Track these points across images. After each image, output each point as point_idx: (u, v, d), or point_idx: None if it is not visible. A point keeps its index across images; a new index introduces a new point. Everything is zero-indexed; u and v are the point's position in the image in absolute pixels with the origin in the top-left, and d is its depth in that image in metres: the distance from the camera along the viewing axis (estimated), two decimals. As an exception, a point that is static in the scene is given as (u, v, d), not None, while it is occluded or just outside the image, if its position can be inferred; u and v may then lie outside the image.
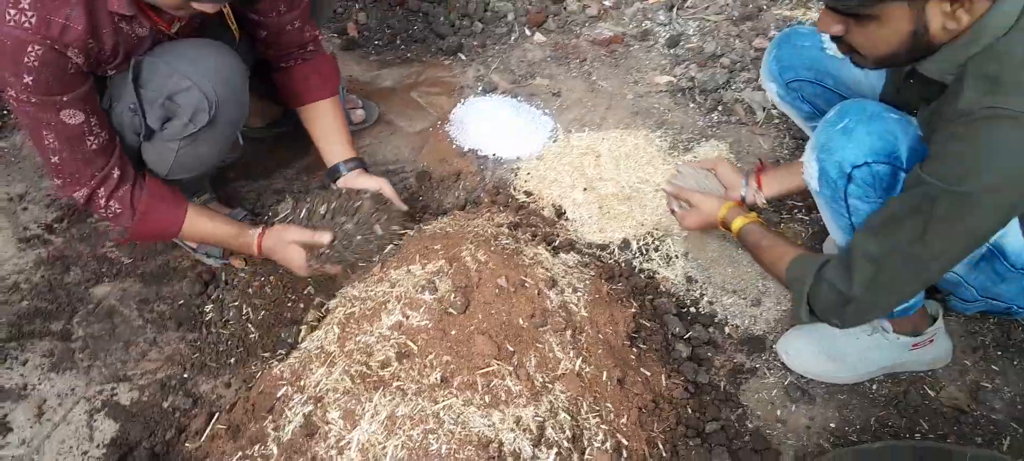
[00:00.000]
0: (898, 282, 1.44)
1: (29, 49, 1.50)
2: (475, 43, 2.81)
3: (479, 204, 2.24)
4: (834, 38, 1.41)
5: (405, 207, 2.02)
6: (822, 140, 1.54)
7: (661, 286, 2.07)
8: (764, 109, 2.51)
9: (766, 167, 2.02)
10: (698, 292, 2.07)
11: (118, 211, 1.75)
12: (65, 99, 1.60)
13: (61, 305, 2.00)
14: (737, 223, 1.83)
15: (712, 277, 2.10)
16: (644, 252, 2.15)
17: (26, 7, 1.47)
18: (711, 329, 1.97)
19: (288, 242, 1.88)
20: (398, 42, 2.84)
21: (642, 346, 1.83)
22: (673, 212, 2.05)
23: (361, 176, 2.03)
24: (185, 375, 1.87)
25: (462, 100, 2.60)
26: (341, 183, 2.02)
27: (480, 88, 2.65)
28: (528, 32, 2.85)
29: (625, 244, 2.15)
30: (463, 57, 2.78)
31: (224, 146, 1.90)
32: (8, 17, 1.47)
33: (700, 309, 2.03)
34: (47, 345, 1.92)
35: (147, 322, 1.98)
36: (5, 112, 2.48)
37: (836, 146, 1.50)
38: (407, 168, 2.40)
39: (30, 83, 1.53)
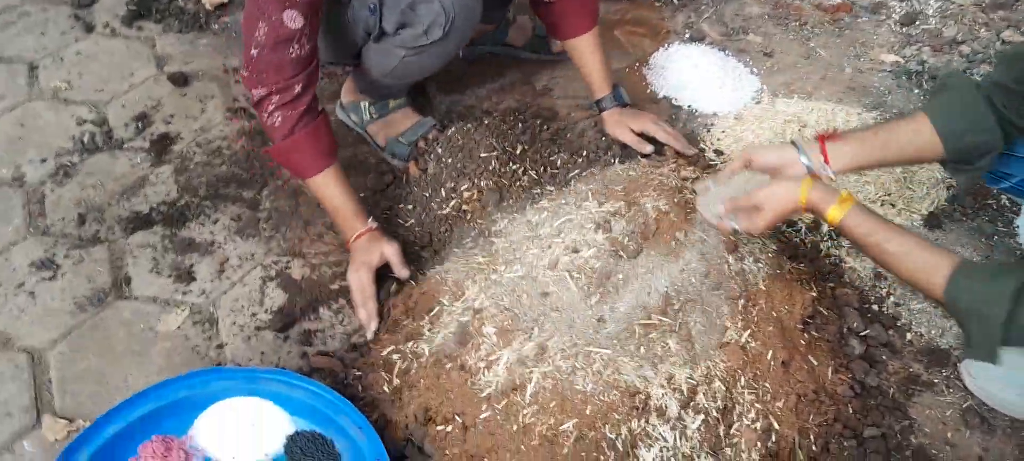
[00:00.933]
0: None
1: None
2: (690, -14, 2.66)
3: (663, 155, 2.13)
4: None
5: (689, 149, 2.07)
6: None
7: (846, 276, 1.89)
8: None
9: (832, 134, 1.62)
10: (885, 290, 1.87)
11: (276, 124, 1.75)
12: (296, 4, 1.63)
13: (255, 176, 2.11)
14: (835, 211, 1.44)
15: (906, 280, 1.88)
16: (834, 236, 1.96)
17: None
18: (891, 332, 1.78)
19: (357, 265, 1.78)
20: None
21: (814, 333, 1.68)
22: (734, 231, 1.62)
23: (615, 117, 2.11)
24: (353, 263, 1.93)
25: (666, 45, 2.47)
26: (609, 122, 2.12)
27: (688, 35, 2.51)
28: (748, -15, 2.67)
29: (816, 224, 1.98)
30: (675, 1, 2.64)
31: (447, 59, 1.91)
32: None
33: (884, 308, 1.83)
34: (237, 209, 2.03)
35: (327, 207, 2.05)
36: (236, -10, 2.63)
37: None
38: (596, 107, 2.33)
39: None
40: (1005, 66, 1.48)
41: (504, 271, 1.63)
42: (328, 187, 1.82)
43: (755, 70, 2.38)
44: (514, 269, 1.62)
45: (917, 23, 2.53)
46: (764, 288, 1.65)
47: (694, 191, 1.74)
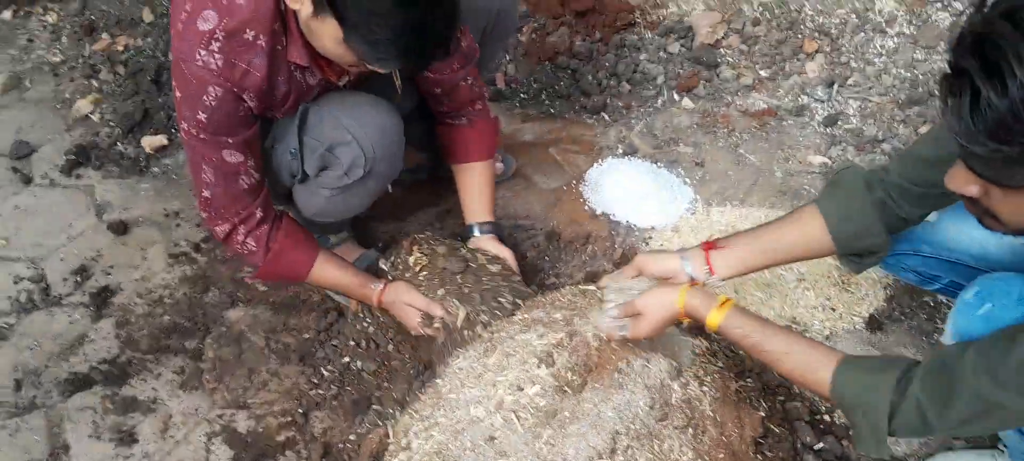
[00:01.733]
0: (1003, 422, 1.28)
1: (210, 89, 1.58)
2: (620, 104, 2.75)
3: (598, 274, 2.16)
4: (966, 198, 1.16)
5: (527, 289, 1.99)
6: (962, 325, 1.33)
7: (794, 388, 1.92)
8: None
9: (715, 243, 1.69)
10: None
11: (253, 248, 1.81)
12: (231, 140, 1.67)
13: (197, 323, 2.09)
14: (714, 315, 1.50)
15: (852, 383, 1.92)
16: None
17: (215, 50, 1.55)
18: (845, 443, 1.81)
19: (406, 303, 1.90)
20: (543, 97, 2.82)
21: (767, 454, 1.70)
22: (621, 338, 1.67)
23: (491, 241, 2.04)
24: (300, 410, 1.90)
25: (601, 160, 2.54)
26: (471, 244, 2.03)
27: (620, 150, 2.58)
28: (677, 97, 2.76)
29: (759, 336, 2.01)
30: (607, 117, 2.72)
31: (372, 198, 1.95)
32: (198, 57, 1.55)
33: (835, 418, 1.86)
34: (180, 362, 2.01)
35: (272, 351, 2.03)
36: (172, 131, 2.65)
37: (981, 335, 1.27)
38: (537, 226, 2.37)
39: (204, 120, 1.61)
40: (902, 166, 1.53)
41: (449, 414, 1.62)
42: (326, 270, 1.91)
43: (688, 180, 2.45)
44: (458, 412, 1.61)
45: (839, 123, 2.64)
46: (711, 413, 1.66)
47: (600, 298, 1.79)
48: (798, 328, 2.03)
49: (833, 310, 2.09)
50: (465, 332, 1.86)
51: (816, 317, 2.07)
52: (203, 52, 1.55)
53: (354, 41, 1.45)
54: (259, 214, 1.80)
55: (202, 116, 1.61)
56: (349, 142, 1.75)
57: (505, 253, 2.02)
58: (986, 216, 1.17)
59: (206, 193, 1.75)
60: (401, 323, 1.96)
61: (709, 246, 1.68)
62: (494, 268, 1.96)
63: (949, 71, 1.01)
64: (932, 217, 1.62)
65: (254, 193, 1.78)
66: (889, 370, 1.33)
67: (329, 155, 1.78)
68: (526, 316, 1.85)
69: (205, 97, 1.58)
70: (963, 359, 1.23)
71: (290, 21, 1.60)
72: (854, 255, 1.63)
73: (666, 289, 1.61)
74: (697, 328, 1.99)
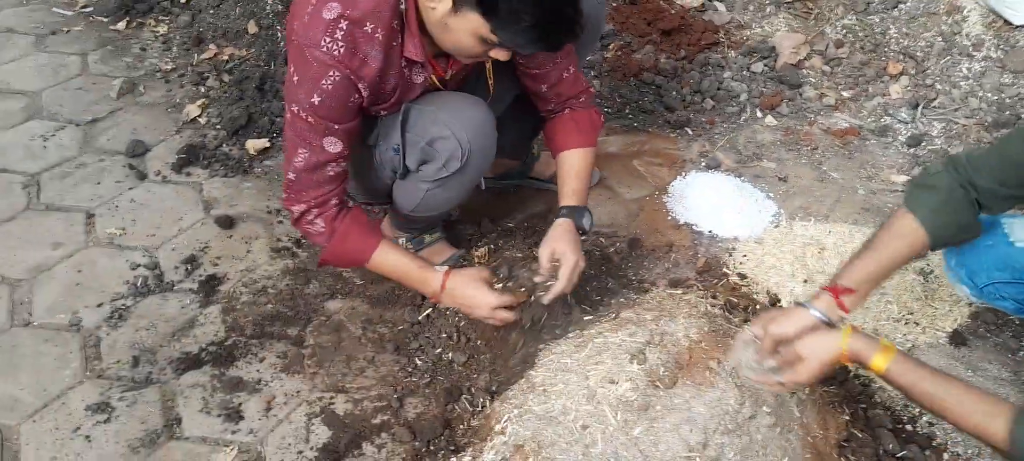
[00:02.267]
0: None
1: (331, 73, 1.70)
2: (704, 119, 2.81)
3: (684, 283, 2.22)
4: None
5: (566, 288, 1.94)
6: None
7: (877, 396, 1.93)
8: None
9: (837, 285, 1.64)
10: (917, 410, 1.91)
11: (321, 229, 1.91)
12: (336, 128, 1.79)
13: (299, 313, 2.21)
14: (879, 360, 1.48)
15: (937, 397, 1.93)
16: (863, 358, 2.02)
17: (339, 38, 1.68)
18: (928, 452, 1.81)
19: (470, 294, 1.90)
20: (627, 111, 2.90)
21: (850, 457, 1.72)
22: (780, 384, 1.62)
23: (567, 235, 1.95)
24: (395, 396, 2.00)
25: (684, 174, 2.60)
26: (552, 230, 1.98)
27: (703, 164, 2.64)
28: (759, 114, 2.81)
29: (843, 345, 2.03)
30: (690, 132, 2.78)
31: (468, 191, 2.05)
32: (323, 44, 1.68)
33: (917, 428, 1.87)
34: (282, 347, 2.12)
35: (368, 341, 2.13)
36: (274, 135, 2.81)
37: None
38: (620, 234, 2.44)
39: (317, 103, 1.73)
40: (991, 169, 1.58)
41: (542, 403, 1.69)
42: (388, 257, 1.95)
43: (771, 195, 2.49)
44: (551, 401, 1.68)
45: (923, 144, 2.65)
46: (798, 414, 1.70)
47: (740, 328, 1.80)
48: (881, 336, 2.04)
49: (916, 324, 2.10)
50: (544, 304, 1.90)
51: (899, 330, 2.08)
52: (327, 39, 1.67)
53: (501, 31, 1.60)
54: (334, 201, 1.90)
55: (316, 99, 1.72)
56: (447, 137, 1.86)
57: (576, 256, 1.91)
58: None
59: (292, 175, 1.85)
60: (468, 310, 1.96)
61: (837, 291, 1.64)
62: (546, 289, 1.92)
63: None
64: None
65: (337, 181, 1.89)
66: None
67: (429, 149, 1.89)
68: (616, 317, 1.92)
69: (324, 81, 1.70)
70: None
71: (409, 18, 1.72)
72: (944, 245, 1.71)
73: (827, 333, 1.57)
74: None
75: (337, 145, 1.82)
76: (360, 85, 1.74)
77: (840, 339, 1.54)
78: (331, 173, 1.86)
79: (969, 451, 1.82)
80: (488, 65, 1.95)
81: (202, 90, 3.03)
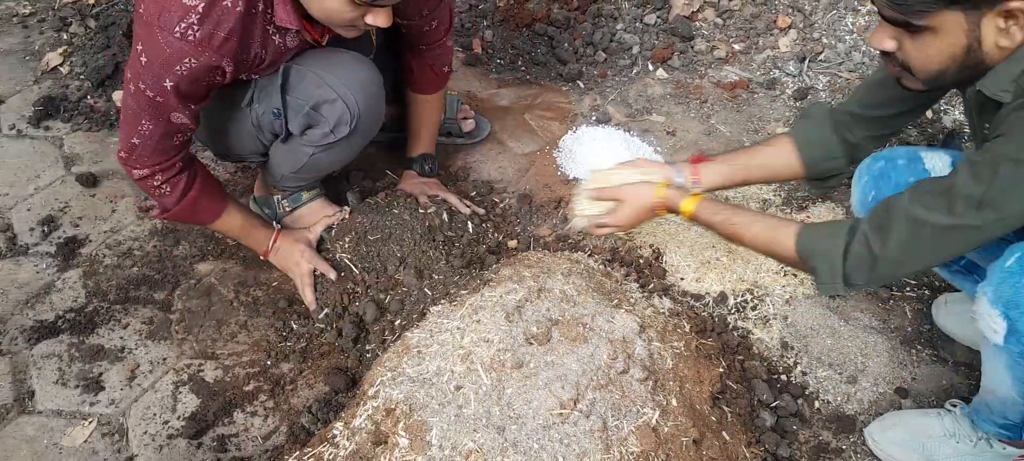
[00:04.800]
0: (934, 248, 1.38)
1: (186, 60, 1.58)
2: (596, 72, 2.77)
3: (568, 238, 2.20)
4: (885, 56, 1.40)
5: (467, 210, 2.12)
6: (1009, 294, 1.36)
7: (754, 348, 1.97)
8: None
9: (703, 157, 1.88)
10: (792, 360, 1.95)
11: (166, 193, 1.82)
12: (191, 107, 1.68)
13: (166, 276, 2.09)
14: (688, 203, 1.71)
15: (809, 346, 1.98)
16: (741, 309, 2.05)
17: (194, 22, 1.55)
18: (800, 401, 1.86)
19: (298, 243, 2.02)
20: (519, 63, 2.83)
21: (725, 408, 1.74)
22: (600, 226, 1.85)
23: (414, 181, 2.19)
24: (268, 362, 1.91)
25: (574, 128, 2.56)
26: (404, 181, 2.20)
27: (594, 118, 2.60)
28: (651, 67, 2.79)
29: (722, 298, 2.06)
30: (581, 85, 2.74)
31: (355, 153, 1.98)
32: (177, 29, 1.55)
33: (791, 378, 1.91)
34: (148, 312, 2.00)
35: (241, 304, 2.03)
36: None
37: None
38: (509, 189, 2.39)
39: (169, 87, 1.61)
40: (856, 94, 1.75)
41: (416, 365, 1.65)
42: (233, 218, 1.97)
43: (659, 149, 2.48)
44: (425, 363, 1.64)
45: (809, 97, 2.68)
46: (672, 367, 1.70)
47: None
48: (759, 290, 2.07)
49: (795, 276, 2.13)
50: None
51: (777, 282, 2.11)
52: (182, 24, 1.55)
53: None
54: (179, 164, 1.81)
55: (168, 84, 1.60)
56: (334, 100, 1.77)
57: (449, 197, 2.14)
58: (904, 74, 1.39)
59: (135, 140, 1.73)
60: (287, 272, 2.05)
61: (696, 159, 1.85)
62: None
63: None
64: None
65: (183, 146, 1.80)
66: (843, 222, 1.53)
67: (314, 114, 1.79)
68: (496, 274, 1.88)
69: (178, 67, 1.58)
70: (900, 195, 1.41)
71: None
72: (818, 179, 1.81)
73: (644, 183, 1.78)
74: (661, 289, 2.04)
75: (184, 118, 1.70)
76: (223, 63, 1.62)
77: (655, 189, 1.75)
78: (177, 142, 1.76)
79: (838, 398, 1.87)
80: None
81: (64, 37, 2.81)
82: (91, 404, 1.81)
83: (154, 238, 2.18)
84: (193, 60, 1.58)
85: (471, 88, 2.74)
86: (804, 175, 1.81)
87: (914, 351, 1.96)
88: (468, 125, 2.51)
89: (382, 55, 2.04)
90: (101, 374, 1.87)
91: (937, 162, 1.73)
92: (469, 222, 2.07)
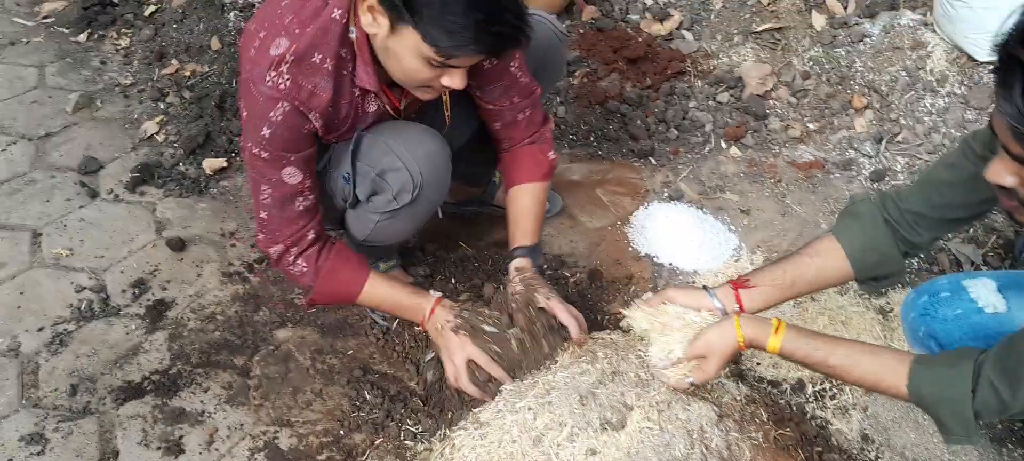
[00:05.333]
0: None
1: (278, 105, 1.66)
2: (668, 149, 2.79)
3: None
4: (1001, 190, 1.26)
5: (575, 326, 1.86)
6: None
7: (833, 439, 1.91)
8: (973, 262, 2.29)
9: (744, 281, 1.74)
10: (874, 454, 1.89)
11: (304, 270, 1.86)
12: (292, 158, 1.74)
13: (246, 341, 2.15)
14: (773, 341, 1.55)
15: (891, 439, 1.91)
16: (819, 398, 1.99)
17: (284, 71, 1.64)
18: (881, 496, 1.79)
19: (456, 345, 1.85)
20: (592, 139, 2.87)
21: (804, 503, 1.69)
22: (689, 386, 1.68)
23: (528, 274, 1.94)
24: (341, 432, 1.94)
25: (646, 204, 2.57)
26: (513, 271, 1.97)
27: (666, 194, 2.61)
28: (724, 145, 2.79)
29: (800, 385, 2.01)
30: (653, 161, 2.76)
31: (420, 223, 2.01)
32: (268, 78, 1.64)
33: (872, 472, 1.85)
34: (228, 377, 2.06)
35: (317, 372, 2.08)
36: (232, 155, 2.75)
37: None
38: (580, 263, 2.40)
39: (267, 136, 1.68)
40: (921, 192, 1.62)
41: (488, 446, 1.65)
42: (377, 289, 1.94)
43: (733, 227, 2.47)
44: (496, 447, 1.64)
45: (887, 179, 2.64)
46: (750, 459, 1.66)
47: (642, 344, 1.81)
48: (838, 380, 2.02)
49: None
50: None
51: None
52: (272, 73, 1.63)
53: (433, 36, 1.51)
54: (311, 236, 1.86)
55: (266, 132, 1.68)
56: (399, 168, 1.82)
57: (547, 294, 1.89)
58: (1020, 208, 1.27)
59: (263, 214, 1.81)
60: (443, 360, 1.90)
61: (737, 284, 1.74)
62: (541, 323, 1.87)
63: (1001, 61, 1.13)
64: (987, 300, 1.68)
65: (309, 215, 1.84)
66: (962, 362, 1.40)
67: (379, 180, 1.85)
68: (568, 354, 1.88)
69: (272, 113, 1.66)
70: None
71: (360, 45, 1.68)
72: (871, 279, 1.71)
73: (719, 324, 1.62)
74: (737, 374, 2.01)
75: (296, 176, 1.77)
76: (311, 115, 1.70)
77: (733, 328, 1.60)
78: (300, 208, 1.81)
79: (923, 494, 1.80)
80: (445, 96, 1.91)
81: (161, 106, 2.97)
82: (172, 467, 1.86)
83: (236, 303, 2.26)
84: (285, 104, 1.66)
85: (544, 162, 2.78)
86: (855, 277, 1.70)
87: (1006, 451, 1.88)
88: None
89: (459, 127, 2.07)
90: (182, 437, 1.92)
91: (982, 291, 1.67)
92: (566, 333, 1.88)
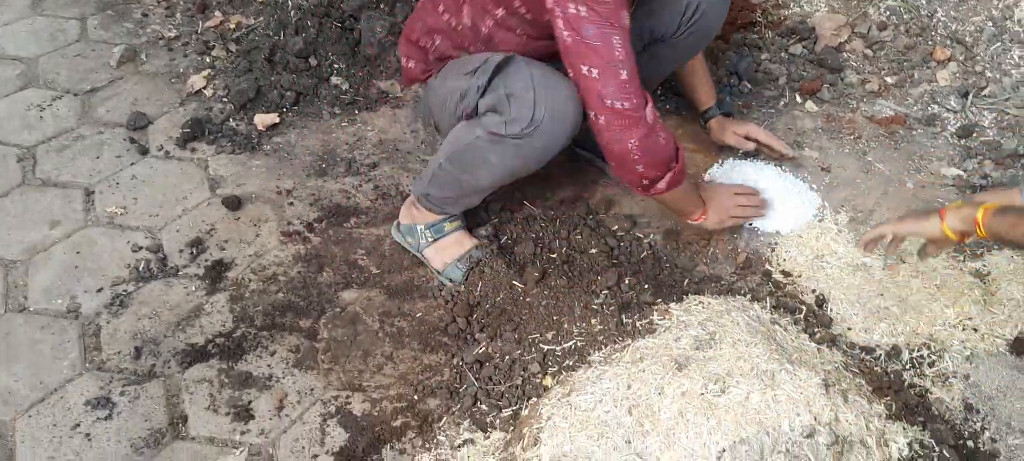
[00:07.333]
0: None
1: None
2: (740, 103, 2.65)
3: (722, 278, 2.08)
4: None
5: (789, 151, 2.35)
6: None
7: (934, 408, 1.80)
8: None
9: (948, 209, 1.73)
10: (979, 425, 1.78)
11: (663, 141, 1.82)
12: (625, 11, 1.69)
13: (312, 303, 2.07)
14: (981, 212, 1.60)
15: (996, 409, 1.80)
16: (917, 365, 1.89)
17: None
18: (989, 470, 1.69)
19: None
20: (659, 93, 2.74)
21: (911, 475, 1.60)
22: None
23: (729, 124, 2.40)
24: (415, 397, 1.86)
25: (721, 161, 2.45)
26: (715, 124, 2.42)
27: (741, 151, 2.48)
28: (799, 99, 2.65)
29: (895, 352, 1.90)
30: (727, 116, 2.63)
31: (509, 171, 1.93)
32: None
33: (979, 445, 1.74)
34: (294, 340, 1.98)
35: (386, 335, 2.00)
36: (284, 110, 2.65)
37: None
38: (654, 223, 2.29)
39: None
40: None
41: (580, 413, 1.56)
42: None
43: (814, 186, 2.34)
44: (589, 411, 1.55)
45: (974, 135, 2.50)
46: (856, 430, 1.56)
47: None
48: (936, 344, 1.91)
49: (975, 331, 1.96)
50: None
51: (955, 336, 1.94)
52: None
53: None
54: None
55: None
56: (527, 101, 1.75)
57: (729, 138, 2.39)
58: None
59: (624, 73, 1.69)
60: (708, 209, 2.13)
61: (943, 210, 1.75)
62: None
63: None
64: None
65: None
66: None
67: (504, 100, 1.78)
68: (662, 320, 1.78)
69: None
70: None
71: None
72: None
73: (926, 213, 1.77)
74: (830, 340, 1.90)
75: (626, 18, 1.70)
76: None
77: (948, 209, 1.71)
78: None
79: (1033, 473, 1.69)
80: None
81: (207, 60, 2.86)
82: (242, 433, 1.79)
83: (298, 263, 2.17)
84: None
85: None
86: None
87: None
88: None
89: None
90: (250, 402, 1.85)
91: None
92: None
